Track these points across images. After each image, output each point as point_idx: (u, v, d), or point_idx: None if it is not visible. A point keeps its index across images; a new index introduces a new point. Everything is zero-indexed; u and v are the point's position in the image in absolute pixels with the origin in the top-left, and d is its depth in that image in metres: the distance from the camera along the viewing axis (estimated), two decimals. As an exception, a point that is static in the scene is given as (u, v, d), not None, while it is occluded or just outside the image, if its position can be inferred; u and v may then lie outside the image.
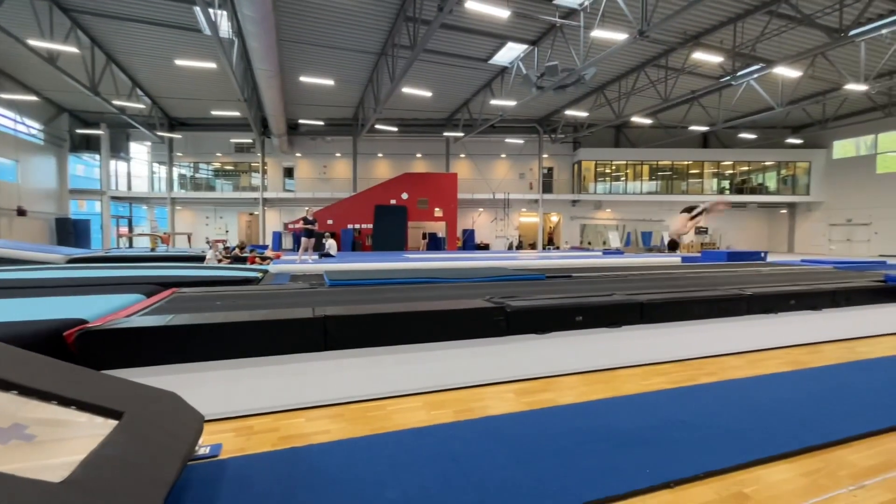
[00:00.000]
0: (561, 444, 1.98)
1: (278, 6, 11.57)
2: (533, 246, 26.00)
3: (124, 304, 4.18)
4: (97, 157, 22.34)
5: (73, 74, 13.78)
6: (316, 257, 12.90)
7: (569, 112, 20.70)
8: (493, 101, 17.61)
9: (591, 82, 15.01)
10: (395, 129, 22.12)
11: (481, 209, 25.38)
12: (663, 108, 18.77)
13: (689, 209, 6.10)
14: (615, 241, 23.39)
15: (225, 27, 11.49)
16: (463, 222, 24.70)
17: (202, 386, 2.77)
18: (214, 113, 20.80)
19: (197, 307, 4.15)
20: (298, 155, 24.35)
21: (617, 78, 17.37)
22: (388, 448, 1.95)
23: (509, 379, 3.01)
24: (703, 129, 20.91)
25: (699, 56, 13.82)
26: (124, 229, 23.32)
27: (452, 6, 9.58)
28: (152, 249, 16.95)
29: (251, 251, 13.23)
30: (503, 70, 16.39)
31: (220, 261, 10.88)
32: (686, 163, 25.99)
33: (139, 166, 23.97)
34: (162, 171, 23.67)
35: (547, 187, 25.63)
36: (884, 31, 11.15)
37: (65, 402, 1.64)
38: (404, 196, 21.84)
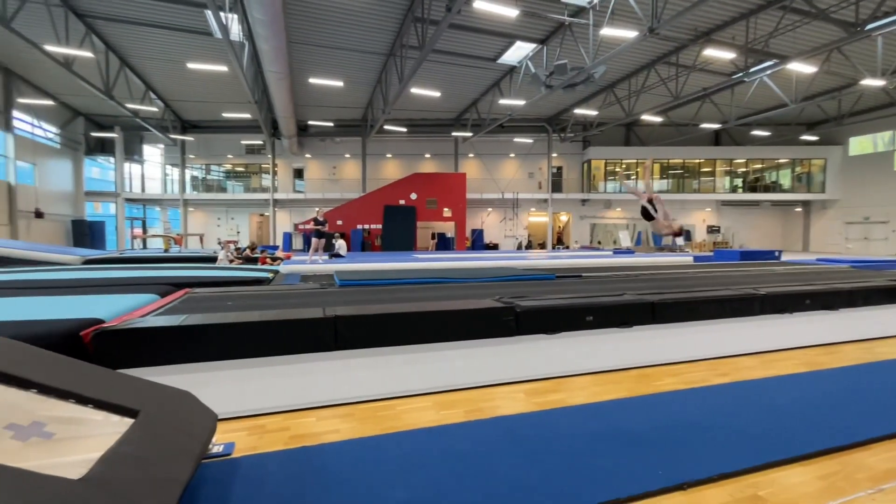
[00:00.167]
0: (572, 445, 1.97)
1: (288, 9, 11.67)
2: (542, 245, 25.89)
3: (139, 305, 4.24)
4: (112, 159, 22.73)
5: (88, 79, 14.04)
6: (326, 258, 12.98)
7: (578, 111, 20.57)
8: (502, 101, 17.57)
9: (600, 80, 14.90)
10: (403, 129, 22.18)
11: (490, 209, 25.33)
12: (674, 106, 18.56)
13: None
14: (625, 240, 23.19)
15: (236, 30, 11.62)
16: (472, 222, 24.67)
17: (215, 385, 2.81)
18: (225, 115, 21.05)
19: (209, 307, 4.21)
20: (308, 156, 24.53)
21: (627, 76, 17.22)
22: (399, 448, 1.96)
23: (519, 379, 3.00)
24: (715, 126, 20.63)
25: (711, 53, 13.63)
26: (138, 231, 23.69)
27: (461, 6, 9.58)
28: (165, 250, 17.19)
29: (262, 252, 13.36)
30: (512, 69, 16.34)
31: (231, 261, 11.00)
32: (698, 161, 25.67)
33: (152, 168, 24.34)
34: (175, 173, 24.01)
35: (556, 186, 25.50)
36: (902, 25, 10.91)
37: (82, 400, 1.67)
38: (413, 196, 21.87)
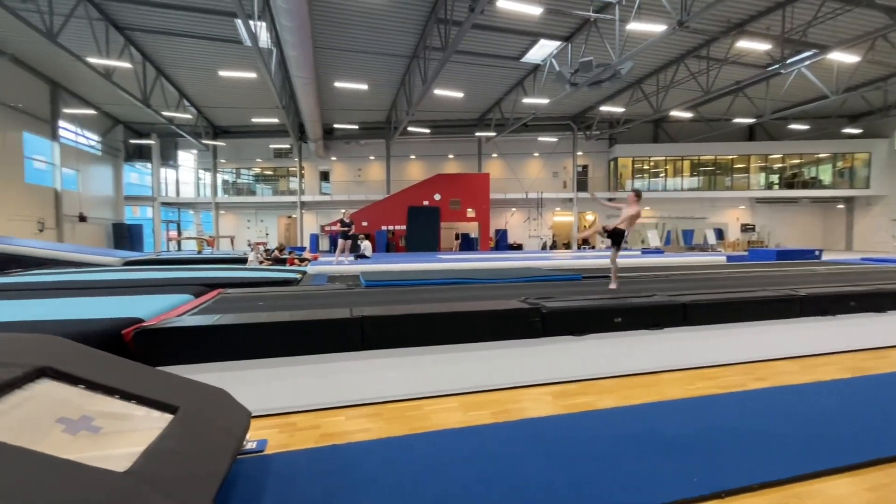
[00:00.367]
0: (602, 449, 1.93)
1: (314, 15, 11.91)
2: (567, 245, 25.52)
3: (175, 304, 4.41)
4: (149, 165, 23.73)
5: (127, 88, 14.71)
6: (352, 258, 13.17)
7: (604, 108, 20.18)
8: (526, 100, 17.42)
9: (627, 77, 14.58)
10: (427, 130, 22.28)
11: (514, 209, 25.15)
12: (705, 101, 17.96)
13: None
14: (654, 239, 22.58)
15: (264, 38, 11.94)
16: (496, 222, 24.55)
17: (247, 383, 2.89)
18: (255, 120, 21.65)
19: (242, 307, 4.33)
20: (334, 159, 24.96)
21: (655, 71, 16.79)
22: (427, 448, 1.97)
23: (546, 381, 2.97)
24: (749, 121, 19.87)
25: (744, 44, 13.14)
26: (173, 233, 24.64)
27: (484, 6, 9.55)
28: (199, 252, 17.83)
29: (290, 253, 13.67)
30: (535, 68, 16.19)
31: (261, 262, 11.30)
32: (730, 157, 24.78)
33: (186, 173, 25.27)
34: (207, 177, 24.85)
35: (581, 185, 25.09)
36: (955, 9, 10.24)
37: (126, 396, 1.75)
38: (437, 197, 21.94)
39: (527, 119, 19.08)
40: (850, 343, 3.85)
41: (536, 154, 25.24)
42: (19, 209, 15.71)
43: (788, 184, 24.78)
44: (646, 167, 25.26)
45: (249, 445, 2.04)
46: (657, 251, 18.41)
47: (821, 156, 24.22)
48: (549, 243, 25.13)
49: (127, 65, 13.73)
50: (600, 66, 12.26)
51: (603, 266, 10.05)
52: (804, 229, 25.44)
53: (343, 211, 14.30)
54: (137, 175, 24.43)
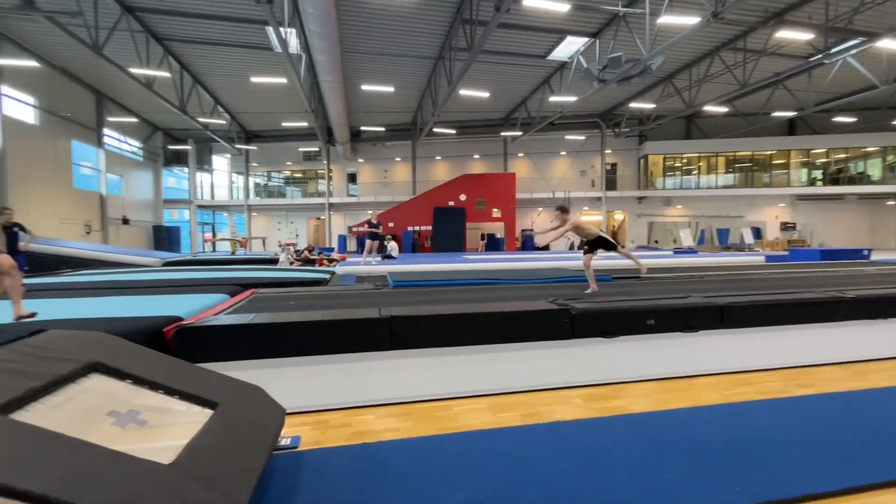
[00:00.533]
0: (636, 455, 1.89)
1: (342, 19, 12.12)
2: (596, 245, 25.00)
3: (212, 304, 4.58)
4: (185, 169, 24.71)
5: (165, 97, 15.37)
6: (379, 259, 13.32)
7: (633, 104, 19.69)
8: (552, 98, 17.19)
9: (658, 72, 14.17)
10: (452, 131, 22.31)
11: (540, 209, 24.86)
12: (741, 95, 17.25)
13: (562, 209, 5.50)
14: (687, 239, 21.85)
15: (294, 44, 12.24)
16: (522, 222, 24.33)
17: (280, 380, 2.96)
18: (285, 124, 22.22)
19: (274, 307, 4.45)
20: (361, 161, 25.32)
21: (687, 65, 16.26)
22: (456, 448, 1.97)
23: (575, 384, 2.92)
24: (790, 114, 18.97)
25: (784, 34, 12.56)
26: (208, 235, 25.56)
27: (510, 5, 9.49)
28: (232, 253, 18.43)
29: (319, 254, 13.96)
30: (562, 65, 15.96)
31: (291, 263, 11.58)
32: (769, 152, 23.73)
33: (220, 177, 26.18)
34: (240, 180, 25.68)
35: (610, 184, 24.56)
36: None
37: (170, 391, 1.83)
38: (462, 197, 21.93)
39: (553, 118, 18.82)
40: (904, 348, 3.62)
41: (563, 153, 24.87)
42: (68, 213, 16.64)
43: (833, 179, 23.51)
44: (677, 164, 24.49)
45: (284, 441, 2.09)
46: (690, 251, 17.83)
47: (869, 150, 22.87)
48: (576, 244, 24.71)
49: (166, 74, 14.35)
50: (630, 62, 11.97)
51: (634, 267, 9.81)
52: (850, 227, 24.06)
53: (370, 212, 14.49)
54: (175, 179, 25.48)
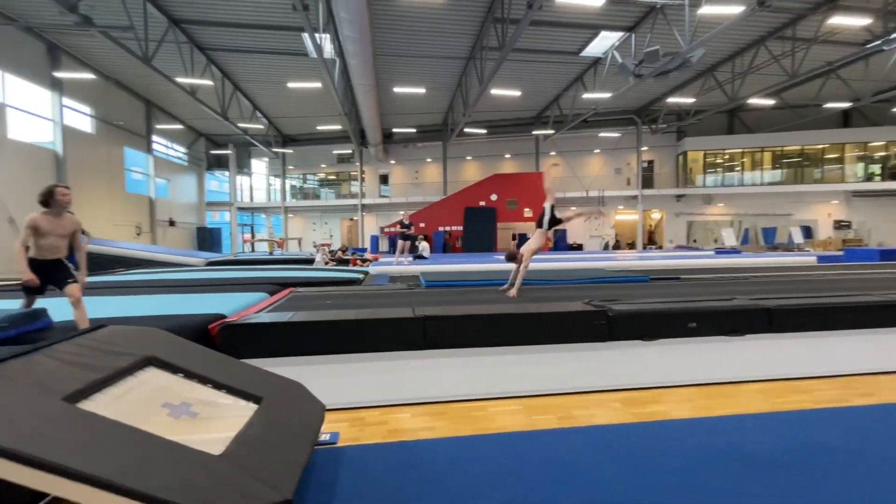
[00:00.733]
0: (679, 462, 1.82)
1: (374, 23, 12.32)
2: (632, 246, 24.32)
3: (253, 302, 4.75)
4: (226, 173, 25.77)
5: (208, 104, 16.09)
6: (411, 259, 13.45)
7: (671, 99, 19.00)
8: (586, 95, 16.84)
9: (698, 64, 13.62)
10: (483, 131, 22.23)
11: (573, 207, 24.40)
12: (790, 86, 16.35)
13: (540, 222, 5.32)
14: (730, 238, 20.89)
15: (328, 49, 12.54)
16: (554, 222, 23.93)
17: (318, 377, 3.04)
18: (319, 128, 22.79)
19: (312, 305, 4.58)
20: (392, 162, 25.64)
21: (730, 56, 15.54)
22: (493, 449, 1.96)
23: (613, 387, 2.85)
24: (844, 105, 17.81)
25: (838, 20, 11.80)
26: (248, 236, 26.55)
27: (542, 2, 9.37)
28: (270, 253, 19.07)
29: (353, 254, 14.24)
30: (596, 61, 15.60)
31: (326, 263, 11.87)
32: (821, 146, 22.35)
33: (258, 180, 27.15)
34: (277, 183, 26.55)
35: (647, 182, 23.80)
36: None
37: (217, 385, 1.92)
38: (493, 197, 21.82)
39: (587, 115, 18.43)
40: (979, 357, 3.33)
41: (597, 151, 24.31)
42: (121, 216, 17.70)
43: (893, 175, 21.89)
44: (719, 161, 23.45)
45: (323, 437, 2.15)
46: (733, 251, 17.05)
47: (935, 141, 21.18)
48: (611, 243, 24.11)
49: (208, 82, 15.02)
50: (668, 56, 11.56)
51: (672, 267, 9.48)
52: (913, 226, 22.36)
53: (402, 213, 14.65)
54: (217, 183, 26.62)
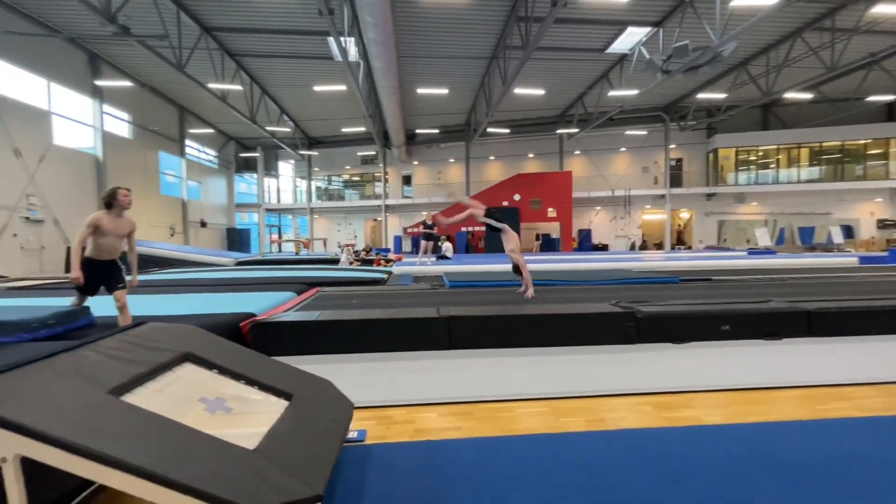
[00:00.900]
0: (716, 470, 1.76)
1: (398, 25, 12.42)
2: (659, 246, 23.72)
3: (281, 301, 4.86)
4: (254, 175, 26.47)
5: (237, 108, 16.56)
6: (434, 259, 13.49)
7: (701, 95, 18.44)
8: (612, 93, 16.53)
9: (729, 59, 13.17)
10: (506, 130, 22.11)
11: (599, 207, 23.99)
12: (829, 79, 15.59)
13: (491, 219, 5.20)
14: (764, 238, 20.12)
15: (353, 52, 12.72)
16: (579, 222, 23.60)
17: (345, 375, 3.08)
18: (344, 130, 23.15)
19: (338, 305, 4.65)
20: (415, 163, 25.80)
21: (764, 49, 14.97)
22: (521, 451, 1.94)
23: (642, 391, 2.79)
24: (888, 98, 16.90)
25: (881, 9, 11.21)
26: (275, 236, 27.19)
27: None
28: (296, 253, 19.47)
29: (376, 254, 14.39)
30: (622, 58, 15.29)
31: (351, 263, 12.04)
32: (863, 141, 21.27)
33: (285, 182, 27.78)
34: (303, 184, 27.10)
35: (675, 181, 23.17)
36: None
37: (250, 382, 1.97)
38: (516, 197, 21.66)
39: (612, 113, 18.09)
40: None
41: (623, 149, 23.82)
42: (156, 217, 18.41)
43: (944, 170, 20.66)
44: (752, 158, 22.61)
45: (351, 434, 2.17)
46: (767, 251, 16.41)
47: None
48: (637, 244, 23.58)
49: (238, 87, 15.46)
50: (697, 50, 11.23)
51: (703, 268, 9.20)
52: (967, 224, 21.01)
53: (425, 213, 14.72)
54: (245, 185, 27.37)
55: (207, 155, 23.23)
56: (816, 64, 14.21)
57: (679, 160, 23.70)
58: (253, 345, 3.49)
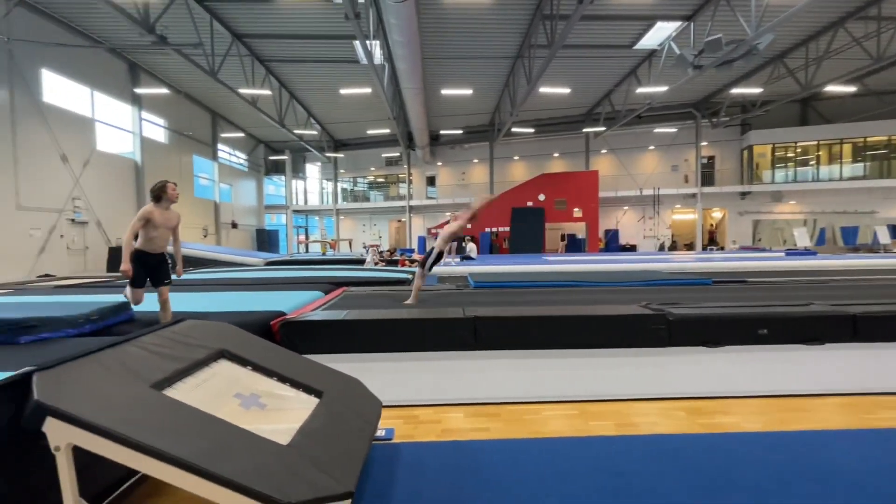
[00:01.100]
0: (755, 479, 1.70)
1: (422, 27, 12.48)
2: (689, 246, 23.01)
3: (309, 300, 4.96)
4: (283, 178, 27.13)
5: (267, 112, 17.02)
6: (458, 260, 13.49)
7: (735, 90, 17.80)
8: (640, 90, 16.13)
9: (765, 52, 12.66)
10: (531, 130, 21.91)
11: (626, 207, 23.46)
12: (874, 70, 14.78)
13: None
14: (803, 239, 19.23)
15: (378, 55, 12.86)
16: (605, 222, 23.15)
17: (372, 374, 3.11)
18: (369, 132, 23.44)
19: (365, 304, 4.71)
20: (439, 164, 25.88)
21: (803, 41, 14.32)
22: (549, 454, 1.92)
23: (674, 395, 2.71)
24: (941, 89, 15.88)
25: (934, -5, 10.53)
26: (302, 237, 27.77)
27: (594, -5, 9.08)
28: (323, 253, 19.84)
29: (401, 254, 14.51)
30: (651, 54, 14.91)
31: (376, 263, 12.18)
32: (912, 136, 20.08)
33: (312, 183, 28.36)
34: (329, 186, 27.61)
35: (707, 179, 22.42)
36: None
37: (282, 379, 2.02)
38: (541, 197, 21.43)
39: (641, 110, 17.66)
40: None
41: (652, 147, 23.23)
42: (190, 219, 19.10)
43: None
44: (790, 155, 21.67)
45: (379, 433, 2.20)
46: (807, 252, 15.69)
47: None
48: (667, 244, 22.94)
49: (267, 92, 15.88)
50: (731, 44, 10.83)
51: (737, 269, 8.87)
52: None
53: (449, 214, 14.74)
54: (274, 187, 28.08)
55: (238, 158, 23.95)
56: (860, 55, 13.49)
57: (711, 158, 22.94)
58: (283, 342, 3.56)
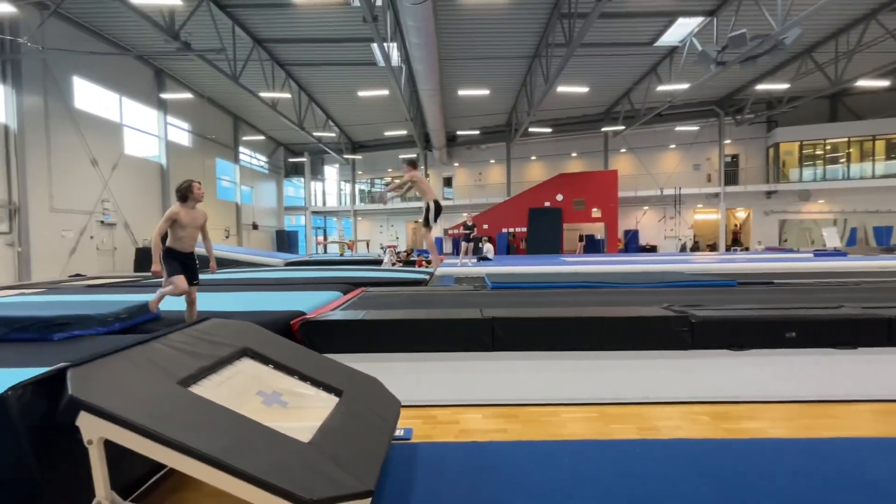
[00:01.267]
0: (782, 487, 1.65)
1: (439, 28, 12.52)
2: (712, 247, 22.47)
3: (328, 300, 5.02)
4: (302, 180, 27.55)
5: (286, 115, 17.31)
6: (475, 261, 13.47)
7: (760, 86, 17.30)
8: (661, 87, 15.84)
9: (792, 46, 12.27)
10: (548, 130, 21.73)
11: (646, 207, 23.05)
12: (909, 64, 14.21)
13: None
14: (833, 239, 18.57)
15: (395, 57, 12.96)
16: (625, 222, 22.79)
17: (389, 374, 3.13)
18: (386, 134, 23.62)
19: (383, 304, 4.74)
20: (456, 165, 25.89)
21: (832, 34, 13.84)
22: (570, 456, 1.90)
23: (698, 399, 2.65)
24: (983, 82, 15.15)
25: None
26: (320, 238, 28.14)
27: (613, -8, 8.96)
28: (341, 254, 20.05)
29: (418, 255, 14.56)
30: (672, 50, 14.63)
31: (394, 264, 12.25)
32: (950, 132, 19.21)
33: (330, 185, 28.72)
34: (347, 188, 27.91)
35: (730, 178, 21.87)
36: None
37: (303, 377, 2.05)
38: (559, 198, 21.22)
39: (661, 108, 17.35)
40: None
41: (673, 146, 22.77)
42: (212, 220, 19.46)
43: None
44: (818, 152, 20.96)
45: (398, 432, 2.21)
46: (837, 253, 15.14)
47: None
48: (689, 245, 22.45)
49: (287, 95, 16.16)
50: (756, 39, 10.54)
51: (763, 270, 8.62)
52: None
53: (465, 214, 14.74)
54: (293, 189, 28.54)
55: (259, 161, 24.42)
56: (894, 48, 12.97)
57: (735, 156, 22.37)
58: (303, 341, 3.61)
